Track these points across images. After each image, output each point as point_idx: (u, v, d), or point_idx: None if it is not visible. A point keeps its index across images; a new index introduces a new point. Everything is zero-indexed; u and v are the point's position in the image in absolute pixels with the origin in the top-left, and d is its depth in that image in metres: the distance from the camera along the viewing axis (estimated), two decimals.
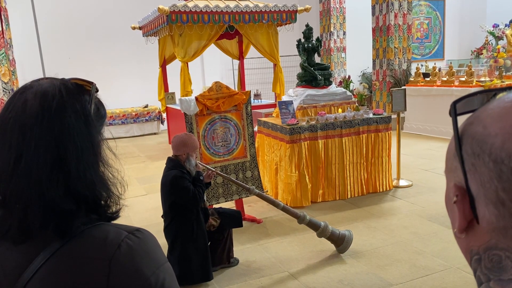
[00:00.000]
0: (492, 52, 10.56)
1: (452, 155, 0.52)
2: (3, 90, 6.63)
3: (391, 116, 5.23)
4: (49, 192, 0.70)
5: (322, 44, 11.81)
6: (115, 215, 0.78)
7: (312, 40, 5.37)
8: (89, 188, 0.73)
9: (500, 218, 0.45)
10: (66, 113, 0.73)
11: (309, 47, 5.34)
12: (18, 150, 0.70)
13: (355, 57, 11.94)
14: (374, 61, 10.22)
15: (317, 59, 5.65)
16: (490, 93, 0.53)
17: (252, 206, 4.87)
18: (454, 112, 0.52)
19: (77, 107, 0.75)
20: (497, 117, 0.46)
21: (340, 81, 7.41)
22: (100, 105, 0.82)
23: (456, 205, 0.50)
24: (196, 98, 4.13)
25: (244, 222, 4.28)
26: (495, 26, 10.85)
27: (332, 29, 11.61)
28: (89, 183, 0.73)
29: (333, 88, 5.44)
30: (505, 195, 0.44)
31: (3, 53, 6.66)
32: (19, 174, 0.70)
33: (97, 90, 0.81)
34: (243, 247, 3.86)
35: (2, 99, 6.77)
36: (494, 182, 0.45)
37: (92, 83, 0.80)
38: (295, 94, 5.40)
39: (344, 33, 11.81)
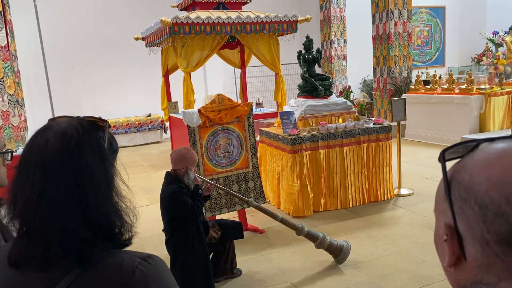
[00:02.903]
0: (492, 59, 10.63)
1: (441, 197, 0.58)
2: (8, 102, 6.73)
3: (391, 125, 5.29)
4: (70, 223, 0.77)
5: (323, 52, 11.92)
6: (128, 242, 0.85)
7: (313, 51, 5.45)
8: (105, 218, 0.80)
9: (485, 256, 0.51)
10: (83, 150, 0.80)
11: (309, 58, 5.42)
12: (41, 186, 0.77)
13: (356, 65, 12.03)
14: (374, 69, 10.30)
15: (317, 69, 5.72)
16: (473, 143, 0.59)
17: (255, 216, 4.93)
18: (443, 159, 0.58)
19: (93, 144, 0.82)
20: (482, 167, 0.53)
21: (341, 91, 7.50)
22: (112, 140, 0.89)
23: (446, 243, 0.56)
24: (199, 110, 4.20)
25: (246, 233, 4.34)
26: (495, 33, 10.93)
27: (333, 37, 11.71)
28: (105, 213, 0.80)
29: (333, 98, 5.51)
30: (489, 236, 0.50)
31: (8, 65, 6.76)
32: (42, 207, 0.77)
33: (109, 126, 0.88)
34: (246, 258, 3.91)
35: (8, 111, 6.87)
36: (480, 225, 0.51)
37: (105, 120, 0.87)
38: (296, 105, 5.48)
39: (345, 41, 11.90)
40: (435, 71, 9.96)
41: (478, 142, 0.56)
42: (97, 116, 0.87)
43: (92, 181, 0.80)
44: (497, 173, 0.50)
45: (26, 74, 9.70)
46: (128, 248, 0.86)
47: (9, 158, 1.26)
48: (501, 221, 0.48)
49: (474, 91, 8.08)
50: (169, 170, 3.36)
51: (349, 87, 7.24)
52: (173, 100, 9.18)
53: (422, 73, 10.58)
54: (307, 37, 5.52)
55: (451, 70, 9.90)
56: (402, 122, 8.84)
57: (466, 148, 0.57)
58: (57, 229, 0.77)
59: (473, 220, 0.51)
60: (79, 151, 0.80)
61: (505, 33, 10.44)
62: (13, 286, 0.80)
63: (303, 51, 5.49)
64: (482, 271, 0.52)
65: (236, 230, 3.57)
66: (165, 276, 0.82)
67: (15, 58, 7.46)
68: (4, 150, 1.23)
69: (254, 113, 6.50)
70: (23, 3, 9.36)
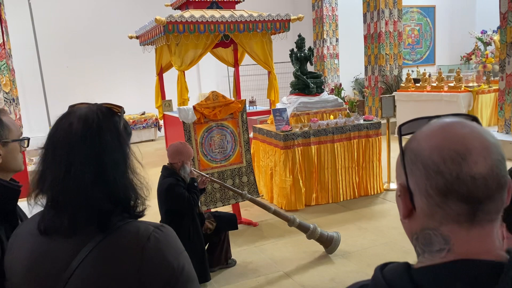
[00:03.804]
0: (481, 58, 10.85)
1: (398, 163, 0.72)
2: (4, 100, 6.78)
3: (380, 122, 5.44)
4: (93, 196, 0.90)
5: (316, 51, 12.07)
6: (142, 213, 0.98)
7: (305, 49, 5.59)
8: (122, 192, 0.93)
9: (429, 206, 0.65)
10: (103, 133, 0.93)
11: (301, 57, 5.56)
12: (67, 164, 0.90)
13: (348, 63, 12.19)
14: (366, 67, 10.47)
15: (309, 67, 5.86)
16: (426, 119, 0.73)
17: (248, 210, 5.06)
18: (400, 133, 0.73)
19: (111, 127, 0.95)
20: (427, 137, 0.66)
21: (332, 89, 7.66)
22: (126, 124, 1.02)
23: (400, 198, 0.70)
24: (194, 107, 4.32)
25: (240, 225, 4.48)
26: (483, 32, 11.15)
27: (325, 36, 11.86)
28: (122, 188, 0.93)
29: (325, 95, 5.66)
30: (431, 190, 0.64)
31: (4, 63, 6.82)
32: (68, 183, 0.90)
33: (124, 112, 1.01)
34: (240, 249, 4.04)
35: (4, 109, 6.92)
36: (424, 181, 0.65)
37: (121, 107, 1.00)
38: (288, 102, 5.61)
39: (337, 40, 12.07)
40: (424, 70, 10.15)
41: (429, 118, 0.70)
42: (112, 104, 1.00)
43: (111, 159, 0.92)
44: (438, 141, 0.64)
45: (21, 72, 9.74)
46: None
47: (25, 145, 1.37)
48: (439, 177, 0.62)
49: (463, 88, 8.28)
50: (166, 164, 3.49)
51: (340, 85, 7.40)
52: (167, 98, 9.29)
53: (412, 71, 10.78)
54: (299, 35, 5.65)
55: (440, 69, 10.10)
56: (392, 119, 9.02)
57: (420, 123, 0.70)
58: (82, 201, 0.89)
59: (419, 178, 0.65)
60: (99, 133, 0.92)
61: (493, 32, 10.66)
62: (44, 252, 0.92)
63: (295, 50, 5.63)
64: (428, 219, 0.66)
65: (230, 221, 3.70)
66: (175, 242, 0.95)
67: (9, 56, 7.51)
68: (21, 137, 1.35)
69: (247, 111, 6.63)
70: (18, 2, 9.39)
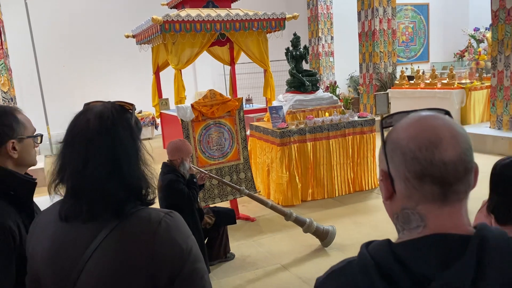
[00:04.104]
0: (473, 55, 10.99)
1: (381, 152, 0.82)
2: (2, 99, 6.84)
3: (374, 118, 5.56)
4: (108, 185, 0.99)
5: (311, 49, 12.17)
6: (152, 201, 1.08)
7: (300, 48, 5.69)
8: (135, 181, 1.03)
9: (407, 189, 0.75)
10: (117, 128, 1.02)
11: (297, 55, 5.66)
12: (85, 157, 0.99)
13: (343, 61, 12.30)
14: (361, 65, 10.59)
15: (305, 66, 5.96)
16: (405, 113, 0.83)
17: (246, 206, 5.15)
18: (382, 125, 0.83)
19: (124, 123, 1.04)
20: (405, 128, 0.76)
21: (327, 87, 7.77)
22: (137, 120, 1.11)
23: (382, 183, 0.80)
24: (192, 105, 4.41)
25: (238, 221, 4.57)
26: (476, 29, 11.28)
27: (320, 34, 11.96)
28: (135, 178, 1.03)
29: (320, 93, 5.76)
30: (409, 175, 0.74)
31: (2, 63, 6.87)
32: (87, 173, 0.99)
33: (135, 109, 1.10)
34: (239, 243, 4.14)
35: None
36: (403, 167, 0.75)
37: (132, 104, 1.09)
38: (284, 99, 5.71)
39: (332, 38, 12.17)
40: (418, 67, 10.27)
41: (408, 112, 0.80)
42: (125, 101, 1.09)
43: (125, 152, 1.02)
44: (414, 132, 0.74)
45: (18, 72, 9.78)
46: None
47: (39, 141, 1.46)
48: (415, 163, 0.72)
49: (456, 85, 8.41)
50: (166, 160, 3.58)
51: (335, 82, 7.50)
52: (164, 96, 9.36)
53: (406, 68, 10.90)
54: (295, 34, 5.75)
55: (433, 66, 10.22)
56: (386, 115, 9.13)
57: (400, 116, 0.80)
58: (99, 190, 0.99)
59: (398, 164, 0.75)
60: (114, 129, 1.02)
61: (486, 29, 10.79)
62: (64, 236, 1.02)
63: (290, 48, 5.73)
64: (406, 200, 0.76)
65: (229, 216, 3.80)
66: (183, 227, 1.05)
67: (7, 56, 7.56)
68: (35, 134, 1.44)
69: (244, 109, 6.72)
70: (14, 1, 9.41)
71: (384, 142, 0.79)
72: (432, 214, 0.73)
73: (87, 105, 1.09)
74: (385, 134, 0.81)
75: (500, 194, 1.64)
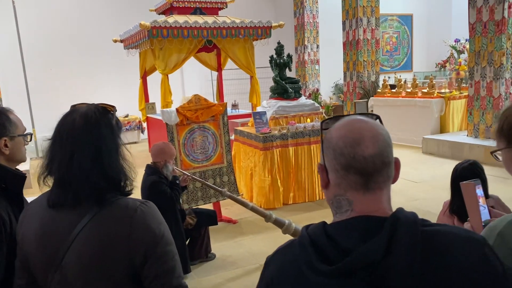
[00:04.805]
0: (454, 65, 11.33)
1: (320, 149, 0.98)
2: None
3: None
4: (91, 176, 1.13)
5: (297, 57, 12.41)
6: (130, 191, 1.23)
7: (284, 56, 5.88)
8: (115, 173, 1.17)
9: (337, 179, 0.91)
10: (100, 127, 1.17)
11: (280, 63, 5.84)
12: (71, 151, 1.13)
13: (328, 69, 12.56)
14: (345, 73, 10.83)
15: (289, 73, 6.15)
16: (341, 117, 0.99)
17: (229, 209, 5.29)
18: (321, 127, 0.98)
19: (106, 122, 1.19)
20: (337, 129, 0.92)
21: (309, 94, 8.00)
22: (118, 120, 1.26)
23: (320, 174, 0.95)
24: (177, 110, 4.54)
25: (220, 223, 4.71)
26: (457, 40, 11.64)
27: (306, 43, 12.20)
28: (115, 170, 1.17)
29: (302, 100, 5.95)
30: (338, 167, 0.89)
31: None
32: (72, 165, 1.13)
33: (116, 110, 1.25)
34: (220, 244, 4.27)
35: None
36: (334, 160, 0.90)
37: (114, 106, 1.24)
38: (268, 105, 5.88)
39: (318, 46, 12.42)
40: (400, 76, 10.55)
41: (343, 116, 0.96)
42: (107, 104, 1.24)
43: (106, 147, 1.16)
44: (343, 132, 0.90)
45: (3, 74, 9.80)
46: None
47: (28, 139, 1.59)
48: (342, 157, 0.88)
49: (435, 94, 8.69)
50: (149, 163, 3.70)
51: (317, 90, 7.70)
52: (150, 101, 9.46)
53: (389, 77, 11.18)
54: (279, 43, 5.94)
55: (415, 75, 10.51)
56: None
57: (336, 120, 0.96)
58: (83, 180, 1.13)
59: (330, 158, 0.91)
60: (97, 127, 1.16)
61: (466, 41, 11.13)
62: (52, 221, 1.16)
63: (274, 56, 5.91)
64: (337, 188, 0.91)
65: (210, 217, 3.93)
66: (157, 214, 1.20)
67: None
68: (25, 132, 1.57)
69: (230, 114, 6.87)
70: (2, 3, 9.46)
71: (322, 141, 0.95)
72: (357, 200, 0.89)
73: (73, 107, 1.23)
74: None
75: (461, 195, 1.80)
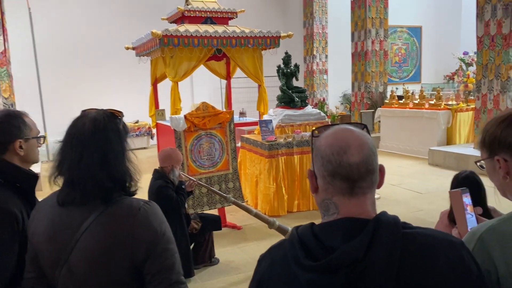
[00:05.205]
0: (462, 77, 11.33)
1: (311, 157, 1.05)
2: (3, 105, 7.06)
3: None
4: (99, 177, 1.22)
5: (305, 67, 12.51)
6: (134, 192, 1.31)
7: (291, 65, 5.97)
8: (121, 174, 1.26)
9: (324, 184, 0.98)
10: (107, 131, 1.26)
11: (288, 72, 5.94)
12: (80, 153, 1.23)
13: (336, 79, 12.64)
14: (353, 83, 10.90)
15: (295, 82, 6.23)
16: (330, 126, 1.06)
17: (233, 215, 5.36)
18: (312, 135, 1.06)
19: (113, 127, 1.28)
20: (325, 137, 1.00)
21: (316, 103, 8.09)
22: (125, 125, 1.35)
23: (309, 179, 1.03)
24: (185, 116, 4.65)
25: (225, 229, 4.78)
26: (465, 53, 11.65)
27: (315, 53, 12.31)
28: (121, 171, 1.26)
29: (308, 109, 6.02)
30: (325, 173, 0.97)
31: (4, 70, 7.11)
32: (81, 166, 1.22)
33: (123, 116, 1.34)
34: (224, 249, 4.34)
35: None
36: (322, 167, 0.98)
37: (121, 112, 1.33)
38: (274, 114, 5.97)
39: (326, 57, 12.52)
40: (407, 87, 10.58)
41: (332, 125, 1.04)
42: (115, 109, 1.33)
43: (113, 150, 1.25)
44: (330, 140, 0.97)
45: (18, 78, 10.02)
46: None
47: (42, 142, 1.69)
48: (329, 164, 0.95)
49: (442, 106, 8.70)
50: (157, 167, 3.80)
51: (324, 99, 7.77)
52: (160, 107, 9.60)
53: (397, 88, 11.22)
54: (286, 52, 6.04)
55: (422, 87, 10.54)
56: (376, 134, 9.40)
57: (325, 128, 1.04)
58: (91, 180, 1.22)
59: (319, 165, 0.98)
60: (105, 131, 1.25)
61: (474, 53, 11.15)
62: (61, 218, 1.24)
63: (282, 66, 6.01)
64: (325, 193, 0.99)
65: (215, 222, 4.00)
66: (159, 213, 1.28)
67: (9, 62, 7.80)
68: (39, 135, 1.67)
69: (237, 121, 6.97)
70: (18, 10, 9.70)
71: (312, 148, 1.03)
72: (343, 204, 0.96)
73: (83, 112, 1.32)
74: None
75: None
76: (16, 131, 1.58)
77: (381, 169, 1.00)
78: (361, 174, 0.95)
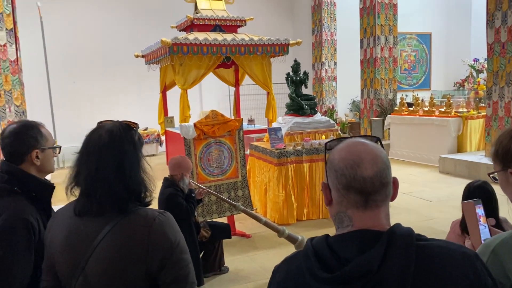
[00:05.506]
0: (473, 84, 11.26)
1: (324, 168, 1.05)
2: (15, 113, 7.16)
3: None
4: (114, 187, 1.23)
5: (314, 73, 12.52)
6: (149, 202, 1.32)
7: (300, 73, 5.98)
8: (136, 185, 1.27)
9: (339, 197, 0.98)
10: (123, 142, 1.27)
11: (297, 80, 5.95)
12: (97, 164, 1.24)
13: (345, 86, 12.62)
14: (362, 90, 10.88)
15: (304, 90, 6.24)
16: (344, 139, 1.07)
17: (243, 223, 5.35)
18: (325, 148, 1.07)
19: (129, 138, 1.30)
20: (338, 151, 1.00)
21: (325, 111, 8.09)
22: (140, 136, 1.36)
23: (323, 192, 1.03)
24: (195, 124, 4.67)
25: (234, 237, 4.77)
26: (476, 60, 11.59)
27: (323, 60, 12.32)
28: (136, 182, 1.27)
29: (318, 116, 6.02)
30: (339, 186, 0.97)
31: (16, 78, 7.22)
32: (97, 177, 1.23)
33: (138, 127, 1.35)
34: (233, 258, 4.33)
35: (9, 121, 7.28)
36: (335, 180, 0.98)
37: (136, 123, 1.34)
38: (283, 122, 5.97)
39: (335, 63, 12.52)
40: (417, 94, 10.53)
41: (345, 138, 1.04)
42: (130, 121, 1.34)
43: (128, 161, 1.26)
44: (343, 154, 0.97)
45: (29, 87, 10.14)
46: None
47: (57, 152, 1.72)
48: (343, 178, 0.96)
49: (453, 114, 8.64)
50: (167, 175, 3.82)
51: (333, 107, 7.76)
52: (169, 115, 9.66)
53: (407, 95, 11.17)
54: (295, 60, 6.05)
55: (432, 94, 10.49)
56: (386, 141, 9.35)
57: (338, 141, 1.04)
58: (107, 191, 1.23)
59: (332, 178, 0.98)
60: (121, 142, 1.27)
61: (485, 60, 11.08)
62: (78, 228, 1.26)
63: (291, 73, 6.02)
64: (339, 206, 0.99)
65: (224, 230, 4.00)
66: (173, 224, 1.29)
67: (20, 71, 7.91)
68: (54, 145, 1.70)
69: (246, 129, 6.99)
70: (30, 18, 9.86)
71: (325, 161, 1.03)
72: (357, 217, 0.97)
73: (100, 123, 1.34)
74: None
75: None
76: (33, 141, 1.60)
77: (395, 182, 1.00)
78: (375, 188, 0.95)
